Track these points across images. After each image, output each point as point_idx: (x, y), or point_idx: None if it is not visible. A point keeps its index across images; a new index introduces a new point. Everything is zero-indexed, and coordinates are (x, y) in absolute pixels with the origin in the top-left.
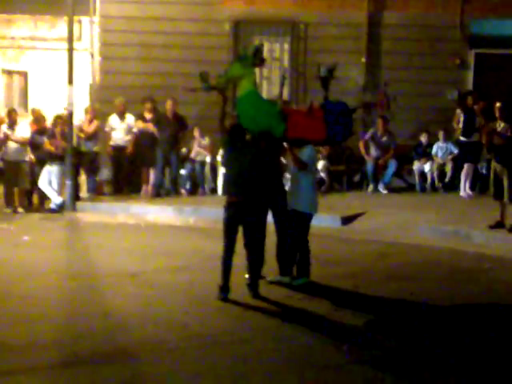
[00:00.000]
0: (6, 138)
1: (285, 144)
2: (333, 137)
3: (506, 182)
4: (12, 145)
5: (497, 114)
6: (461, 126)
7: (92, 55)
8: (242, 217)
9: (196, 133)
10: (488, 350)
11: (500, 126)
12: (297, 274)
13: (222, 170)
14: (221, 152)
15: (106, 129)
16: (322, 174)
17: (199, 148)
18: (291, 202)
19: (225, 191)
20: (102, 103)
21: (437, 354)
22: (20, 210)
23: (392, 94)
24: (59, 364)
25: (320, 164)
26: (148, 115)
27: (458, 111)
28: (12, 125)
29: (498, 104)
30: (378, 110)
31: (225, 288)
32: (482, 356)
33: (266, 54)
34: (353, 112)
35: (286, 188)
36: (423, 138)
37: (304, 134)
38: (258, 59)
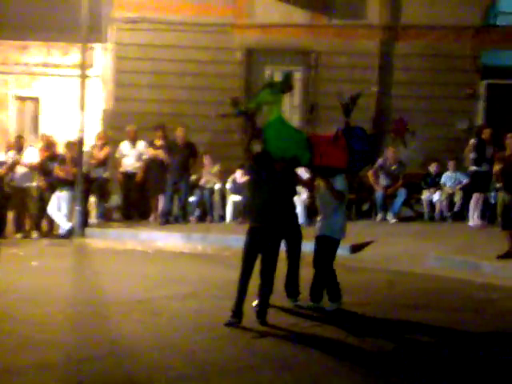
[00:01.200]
0: (15, 163)
1: (317, 173)
2: (355, 164)
3: None
4: (20, 170)
5: (509, 144)
6: (472, 155)
7: (104, 82)
8: (262, 243)
9: (206, 160)
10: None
11: (510, 156)
12: (330, 299)
13: (231, 198)
14: (230, 179)
15: (117, 155)
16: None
17: (209, 175)
18: (323, 228)
19: (248, 217)
20: (114, 130)
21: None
22: (34, 235)
23: (411, 128)
24: None
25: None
26: (159, 142)
27: (473, 141)
28: (19, 150)
29: (510, 135)
30: (393, 135)
31: (238, 313)
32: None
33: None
34: (373, 139)
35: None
36: (432, 168)
37: (328, 162)
38: (287, 86)
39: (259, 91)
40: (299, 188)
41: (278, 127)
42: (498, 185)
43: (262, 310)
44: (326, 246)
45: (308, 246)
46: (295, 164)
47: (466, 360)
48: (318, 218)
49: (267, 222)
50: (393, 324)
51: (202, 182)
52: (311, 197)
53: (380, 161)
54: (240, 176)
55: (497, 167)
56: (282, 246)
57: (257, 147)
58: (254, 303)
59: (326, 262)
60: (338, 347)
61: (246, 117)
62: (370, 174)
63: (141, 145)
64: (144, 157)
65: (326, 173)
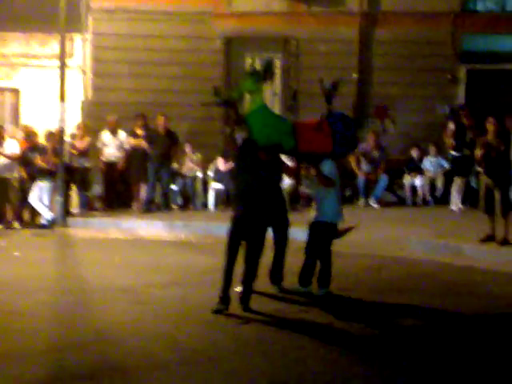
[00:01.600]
0: None
1: (302, 160)
2: (338, 149)
3: (497, 196)
4: (1, 161)
5: (489, 129)
6: (452, 140)
7: (84, 72)
8: (246, 230)
9: (187, 148)
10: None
11: (492, 140)
12: (320, 284)
13: (212, 185)
14: (212, 167)
15: (98, 145)
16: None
17: (190, 163)
18: (318, 214)
19: (232, 204)
20: (94, 120)
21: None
22: (16, 225)
23: (392, 115)
24: (46, 378)
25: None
26: (139, 131)
27: (450, 125)
28: (0, 141)
29: (490, 119)
30: (373, 118)
31: (225, 300)
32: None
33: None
34: (357, 123)
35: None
36: (414, 153)
37: (312, 148)
38: (269, 74)
39: (241, 80)
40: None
41: (261, 115)
42: (479, 169)
43: (245, 296)
44: (322, 231)
45: (293, 233)
46: (280, 151)
47: (450, 343)
48: (313, 205)
49: (251, 210)
50: (378, 308)
51: (183, 170)
52: (295, 184)
53: (362, 147)
54: (221, 164)
55: (478, 152)
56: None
57: (241, 135)
58: (237, 289)
59: (323, 247)
60: (323, 332)
61: (229, 105)
62: (352, 159)
63: (122, 134)
64: (125, 146)
65: (311, 159)
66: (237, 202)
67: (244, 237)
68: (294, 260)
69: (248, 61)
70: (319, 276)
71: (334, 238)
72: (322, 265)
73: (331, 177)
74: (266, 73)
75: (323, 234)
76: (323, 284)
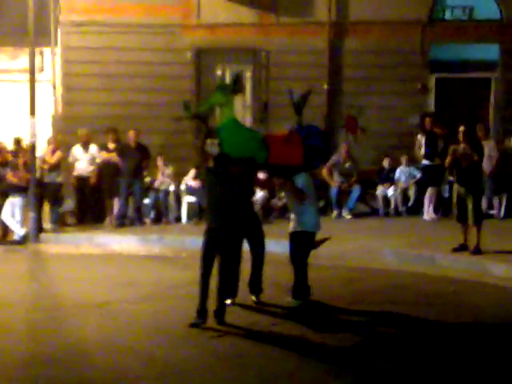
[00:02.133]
0: None
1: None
2: (310, 162)
3: (470, 205)
4: None
5: (460, 137)
6: (423, 150)
7: (54, 86)
8: (219, 244)
9: (159, 162)
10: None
11: (464, 149)
12: (294, 295)
13: (185, 199)
14: (184, 180)
15: (70, 159)
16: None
17: (163, 177)
18: (295, 224)
19: (205, 218)
20: (65, 134)
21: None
22: None
23: (362, 125)
24: None
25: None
26: (111, 145)
27: (419, 136)
28: None
29: (461, 128)
30: (346, 132)
31: (203, 313)
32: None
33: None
34: (327, 136)
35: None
36: (386, 163)
37: (283, 161)
38: (238, 87)
39: (211, 93)
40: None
41: (232, 129)
42: (450, 178)
43: (219, 310)
44: (300, 241)
45: (267, 245)
46: (252, 164)
47: (424, 352)
48: (291, 216)
49: (224, 223)
50: (352, 320)
51: (156, 183)
52: (268, 196)
53: (334, 158)
54: (192, 178)
55: (448, 159)
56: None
57: (213, 149)
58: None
59: (301, 257)
60: (298, 344)
61: (199, 119)
62: (324, 171)
63: (93, 148)
64: (97, 160)
65: (283, 173)
66: (209, 215)
67: (217, 250)
68: (273, 272)
69: (218, 73)
70: (293, 287)
71: (311, 249)
72: (296, 276)
73: (305, 189)
74: (235, 86)
75: (302, 244)
76: (298, 295)
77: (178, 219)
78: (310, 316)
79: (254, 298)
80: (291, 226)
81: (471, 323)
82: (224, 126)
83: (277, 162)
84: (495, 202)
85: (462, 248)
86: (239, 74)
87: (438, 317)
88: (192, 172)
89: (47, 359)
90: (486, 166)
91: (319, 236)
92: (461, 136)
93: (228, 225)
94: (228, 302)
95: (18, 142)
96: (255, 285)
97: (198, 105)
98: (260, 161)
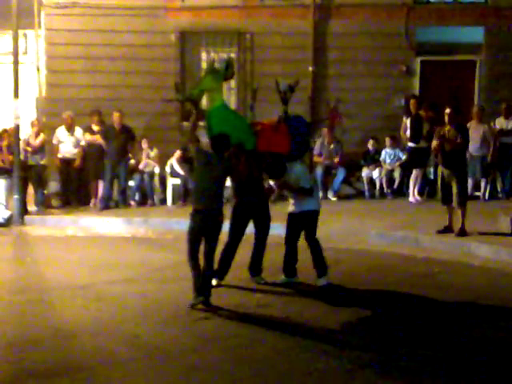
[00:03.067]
0: None
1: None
2: (296, 150)
3: (454, 187)
4: None
5: (446, 120)
6: (408, 132)
7: (38, 68)
8: (207, 225)
9: (144, 144)
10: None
11: (449, 131)
12: (319, 273)
13: (170, 181)
14: (169, 162)
15: (54, 141)
16: (271, 183)
17: (148, 159)
18: (299, 206)
19: (193, 199)
20: (49, 116)
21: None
22: None
23: (343, 113)
24: (7, 378)
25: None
26: (95, 127)
27: (405, 119)
28: None
29: (447, 110)
30: (328, 124)
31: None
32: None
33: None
34: (311, 127)
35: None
36: (371, 145)
37: (271, 148)
38: (229, 73)
39: (202, 77)
40: None
41: (221, 114)
42: (436, 160)
43: (205, 292)
44: (310, 220)
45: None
46: (241, 149)
47: (410, 331)
48: (290, 198)
49: (213, 206)
50: (339, 301)
51: (141, 165)
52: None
53: (318, 142)
54: (176, 159)
55: (435, 142)
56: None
57: (203, 132)
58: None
59: (312, 235)
60: (283, 326)
61: (191, 102)
62: (315, 157)
63: (78, 131)
64: (81, 143)
65: (273, 173)
66: (197, 196)
67: (204, 232)
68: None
69: (207, 56)
70: (284, 267)
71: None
72: (314, 254)
73: (303, 177)
74: (228, 72)
75: (314, 222)
76: (322, 273)
77: (163, 201)
78: (297, 298)
79: (258, 279)
80: (295, 206)
81: (454, 303)
82: (213, 112)
83: (264, 148)
84: (482, 183)
85: (447, 230)
86: (230, 60)
87: (423, 297)
88: (177, 154)
89: (32, 342)
90: (476, 148)
91: None
92: (446, 118)
93: (217, 207)
94: (214, 282)
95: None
96: (256, 266)
97: (189, 88)
98: (248, 147)
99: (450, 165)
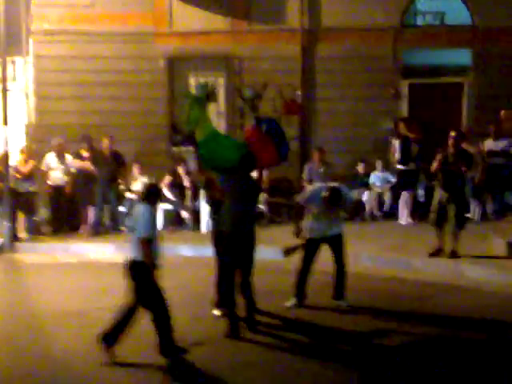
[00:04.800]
0: None
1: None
2: (283, 151)
3: (451, 211)
4: None
5: (450, 143)
6: (397, 154)
7: (27, 95)
8: (242, 248)
9: (135, 169)
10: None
11: (453, 155)
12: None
13: (161, 206)
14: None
15: (44, 168)
16: (262, 207)
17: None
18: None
19: (225, 224)
20: (39, 143)
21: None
22: None
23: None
24: None
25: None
26: (85, 154)
27: (393, 141)
28: None
29: (452, 133)
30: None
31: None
32: None
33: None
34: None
35: None
36: (361, 168)
37: (267, 161)
38: (213, 98)
39: (187, 109)
40: None
41: (215, 141)
42: (433, 182)
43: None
44: (343, 243)
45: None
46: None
47: (401, 352)
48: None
49: (248, 228)
50: (329, 325)
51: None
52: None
53: (307, 166)
54: (166, 185)
55: (435, 164)
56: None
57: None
58: (216, 312)
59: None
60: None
61: (190, 142)
62: (303, 179)
63: (68, 158)
64: (72, 169)
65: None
66: (233, 221)
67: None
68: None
69: (192, 81)
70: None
71: (285, 256)
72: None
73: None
74: (211, 97)
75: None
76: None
77: None
78: (289, 322)
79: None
80: (329, 229)
81: (447, 325)
82: (203, 144)
83: (262, 164)
84: (473, 205)
85: (438, 253)
86: (214, 86)
87: (415, 320)
88: (166, 179)
89: (24, 370)
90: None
91: (293, 242)
92: (451, 141)
93: (249, 230)
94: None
95: None
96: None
97: (181, 121)
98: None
99: (450, 187)
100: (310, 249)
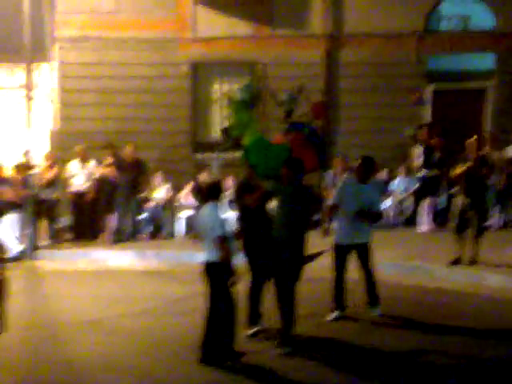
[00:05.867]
0: None
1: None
2: (322, 156)
3: (473, 218)
4: None
5: (471, 148)
6: (420, 160)
7: (51, 102)
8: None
9: (157, 177)
10: None
11: (476, 161)
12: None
13: (183, 214)
14: (179, 197)
15: (66, 175)
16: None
17: (160, 192)
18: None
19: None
20: (62, 149)
21: None
22: None
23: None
24: None
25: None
26: (108, 160)
27: (416, 147)
28: None
29: (473, 138)
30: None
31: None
32: None
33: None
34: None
35: None
36: (384, 175)
37: (309, 167)
38: (256, 99)
39: (233, 112)
40: None
41: (260, 150)
42: (455, 188)
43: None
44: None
45: None
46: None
47: (423, 361)
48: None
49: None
50: (350, 333)
51: (153, 198)
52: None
53: (330, 173)
54: (185, 194)
55: (458, 170)
56: None
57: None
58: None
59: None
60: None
61: (239, 146)
62: (323, 187)
63: (91, 164)
64: (94, 176)
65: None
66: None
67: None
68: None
69: (216, 87)
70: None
71: (307, 262)
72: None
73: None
74: (254, 99)
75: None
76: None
77: (175, 234)
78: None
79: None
80: (355, 236)
81: (467, 334)
82: (252, 148)
83: (310, 168)
84: (494, 212)
85: (457, 262)
86: (250, 85)
87: (434, 328)
88: (187, 188)
89: (44, 377)
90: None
91: (315, 249)
92: (472, 147)
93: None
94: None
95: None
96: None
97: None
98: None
99: (472, 194)
100: (338, 256)
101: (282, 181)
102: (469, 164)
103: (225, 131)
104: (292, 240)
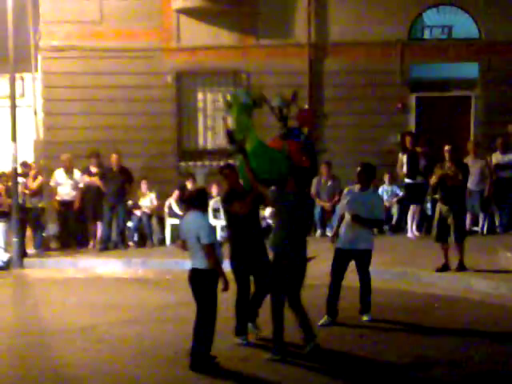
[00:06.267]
0: None
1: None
2: (314, 163)
3: (452, 223)
4: None
5: (447, 156)
6: (404, 168)
7: (35, 111)
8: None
9: (143, 185)
10: None
11: (450, 168)
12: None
13: (169, 221)
14: (167, 203)
15: (52, 184)
16: (270, 221)
17: (146, 200)
18: (368, 242)
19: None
20: (47, 159)
21: None
22: None
23: (322, 112)
24: None
25: (267, 211)
26: (94, 169)
27: (401, 155)
28: None
29: (447, 147)
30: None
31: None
32: None
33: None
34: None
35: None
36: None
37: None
38: (258, 102)
39: (235, 116)
40: None
41: (261, 155)
42: (435, 196)
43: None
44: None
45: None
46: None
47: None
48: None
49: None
50: (337, 340)
51: (139, 206)
52: None
53: (315, 180)
54: (174, 200)
55: (434, 178)
56: None
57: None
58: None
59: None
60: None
61: (242, 152)
62: (312, 193)
63: (76, 174)
64: (80, 185)
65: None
66: (298, 246)
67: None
68: None
69: (200, 96)
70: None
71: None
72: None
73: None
74: (255, 102)
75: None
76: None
77: (163, 241)
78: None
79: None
80: (358, 242)
81: (455, 338)
82: (254, 152)
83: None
84: (480, 218)
85: (445, 268)
86: (260, 92)
87: (422, 333)
88: (175, 194)
89: None
90: (474, 183)
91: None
92: (446, 155)
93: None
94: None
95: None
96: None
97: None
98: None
99: (449, 201)
100: (336, 259)
101: (285, 188)
102: (443, 171)
103: (229, 135)
104: (295, 248)
